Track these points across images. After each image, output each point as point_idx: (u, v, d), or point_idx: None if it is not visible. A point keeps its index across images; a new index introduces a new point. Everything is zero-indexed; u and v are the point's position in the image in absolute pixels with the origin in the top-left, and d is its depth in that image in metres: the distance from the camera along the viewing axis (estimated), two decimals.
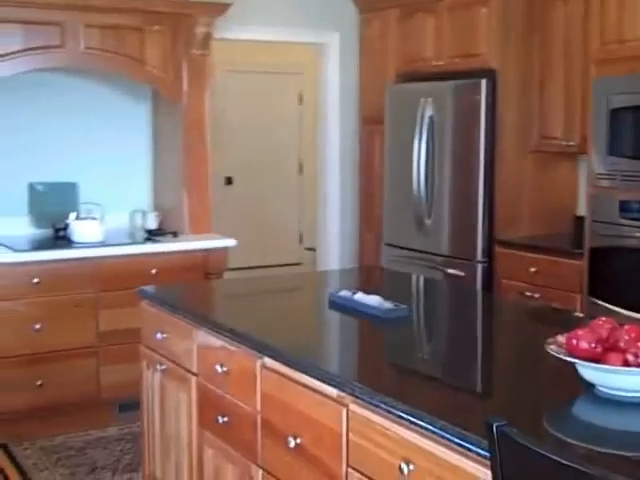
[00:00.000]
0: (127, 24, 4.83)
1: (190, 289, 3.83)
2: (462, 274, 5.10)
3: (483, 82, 4.96)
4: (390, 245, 5.67)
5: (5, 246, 4.63)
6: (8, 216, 4.96)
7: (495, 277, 5.02)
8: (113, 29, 4.81)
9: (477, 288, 4.95)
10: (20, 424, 4.49)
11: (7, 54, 4.57)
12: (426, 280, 3.89)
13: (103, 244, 4.76)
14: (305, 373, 2.40)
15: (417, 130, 5.34)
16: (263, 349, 2.62)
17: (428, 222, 5.35)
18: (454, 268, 5.15)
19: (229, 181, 8.76)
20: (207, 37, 4.98)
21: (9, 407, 4.46)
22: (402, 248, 5.55)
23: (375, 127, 5.90)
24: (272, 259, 8.52)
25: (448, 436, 1.85)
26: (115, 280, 4.63)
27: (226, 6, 4.99)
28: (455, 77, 5.17)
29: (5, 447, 4.41)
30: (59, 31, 4.67)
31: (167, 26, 4.94)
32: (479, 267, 5.05)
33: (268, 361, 2.58)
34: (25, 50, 4.61)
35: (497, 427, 1.49)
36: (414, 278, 3.98)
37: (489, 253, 5.06)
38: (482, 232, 5.05)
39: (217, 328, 2.89)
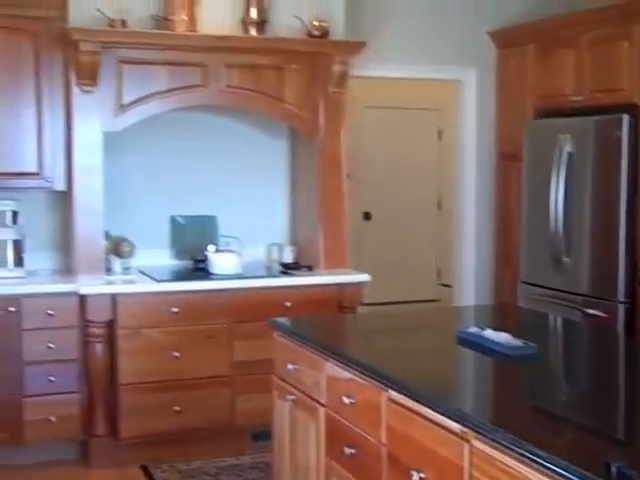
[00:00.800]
0: (266, 63, 5.00)
1: (321, 322, 3.88)
2: (603, 315, 4.92)
3: (625, 117, 4.82)
4: (527, 283, 5.56)
5: (148, 276, 4.84)
6: (151, 248, 5.18)
7: (639, 318, 4.83)
8: (252, 68, 4.98)
9: (618, 330, 4.78)
10: (159, 447, 4.65)
11: (153, 94, 4.81)
12: (560, 319, 3.80)
13: (240, 276, 4.90)
14: (429, 407, 2.40)
15: (555, 166, 5.24)
16: (389, 382, 2.63)
17: (566, 260, 5.22)
18: (594, 308, 4.99)
19: (367, 216, 8.83)
20: (344, 75, 5.08)
21: (149, 431, 4.64)
22: (539, 286, 5.43)
23: (512, 163, 5.83)
24: (409, 295, 8.51)
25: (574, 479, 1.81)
26: (250, 311, 4.74)
27: (363, 44, 5.07)
28: (595, 113, 5.05)
29: (145, 469, 4.58)
30: (201, 71, 4.88)
31: (305, 65, 5.07)
32: (621, 307, 4.88)
33: (394, 394, 2.60)
34: (169, 90, 4.84)
35: (617, 468, 1.45)
36: (548, 317, 3.89)
37: (632, 293, 4.88)
38: (624, 271, 4.88)
39: (345, 360, 2.93)
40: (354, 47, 5.07)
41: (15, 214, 4.81)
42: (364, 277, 5.07)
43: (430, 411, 2.39)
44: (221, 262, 4.91)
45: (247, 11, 4.90)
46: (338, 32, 5.13)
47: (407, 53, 5.82)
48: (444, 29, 5.90)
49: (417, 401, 2.46)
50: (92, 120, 4.71)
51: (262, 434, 4.31)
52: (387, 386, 2.63)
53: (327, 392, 3.05)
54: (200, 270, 5.02)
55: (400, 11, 5.76)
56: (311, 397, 3.16)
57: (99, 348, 4.60)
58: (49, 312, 4.52)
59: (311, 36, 5.00)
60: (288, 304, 4.79)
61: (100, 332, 4.59)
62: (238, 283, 4.82)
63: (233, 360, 4.77)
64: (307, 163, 5.37)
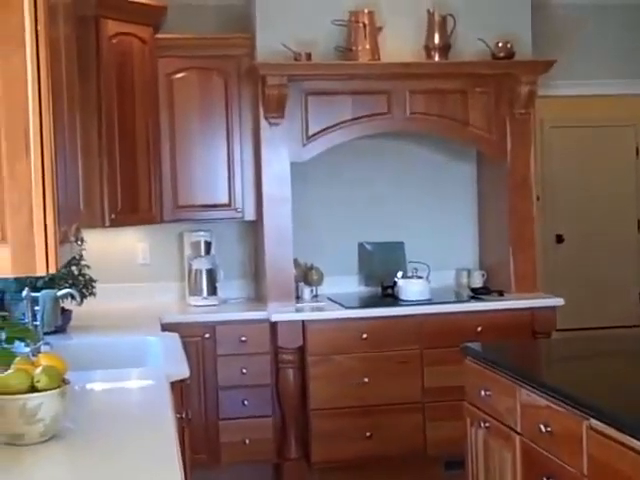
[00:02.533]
0: (450, 88, 4.96)
1: (514, 347, 3.77)
2: None
3: None
4: None
5: (337, 303, 4.89)
6: (339, 275, 5.24)
7: None
8: (436, 93, 4.96)
9: None
10: (350, 474, 4.66)
11: (338, 123, 4.89)
12: None
13: (429, 302, 4.85)
14: (634, 437, 2.26)
15: None
16: (590, 410, 2.51)
17: None
18: None
19: (560, 239, 8.55)
20: (531, 95, 4.95)
21: (340, 456, 4.66)
22: None
23: None
24: (607, 320, 8.11)
25: None
26: (440, 337, 4.68)
27: (551, 63, 4.93)
28: None
29: None
30: (385, 99, 4.91)
31: (490, 87, 5.00)
32: None
33: (595, 423, 2.47)
34: (354, 119, 4.90)
35: None
36: None
37: None
38: None
39: (542, 387, 2.82)
40: (542, 66, 4.94)
41: (208, 244, 5.01)
42: (558, 301, 4.89)
43: (635, 441, 2.25)
44: (410, 288, 4.89)
45: (430, 37, 4.89)
46: (524, 52, 5.01)
47: (597, 69, 5.60)
48: (637, 42, 5.64)
49: (621, 430, 2.33)
50: (280, 151, 4.84)
51: (455, 463, 4.22)
52: (588, 414, 2.51)
53: (522, 420, 2.95)
54: (389, 296, 5.02)
55: (588, 26, 5.57)
56: (505, 425, 3.07)
57: (290, 374, 4.68)
58: (242, 339, 4.67)
59: (496, 58, 4.91)
60: (479, 329, 4.69)
61: (291, 358, 4.67)
62: (427, 309, 4.78)
63: (424, 386, 4.72)
64: (495, 186, 5.26)
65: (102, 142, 4.42)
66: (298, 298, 4.96)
